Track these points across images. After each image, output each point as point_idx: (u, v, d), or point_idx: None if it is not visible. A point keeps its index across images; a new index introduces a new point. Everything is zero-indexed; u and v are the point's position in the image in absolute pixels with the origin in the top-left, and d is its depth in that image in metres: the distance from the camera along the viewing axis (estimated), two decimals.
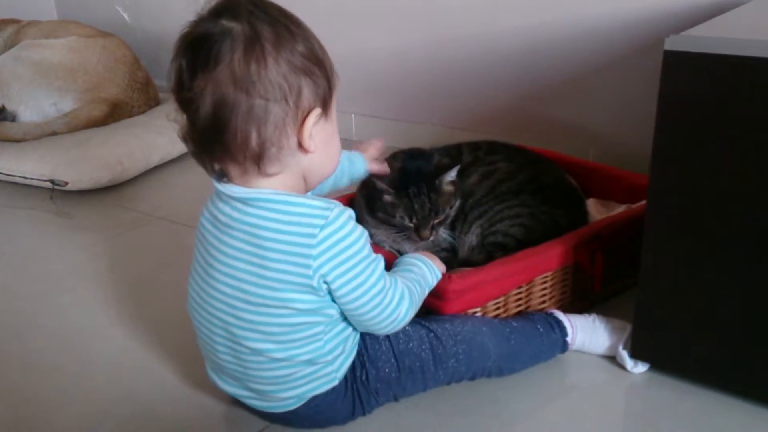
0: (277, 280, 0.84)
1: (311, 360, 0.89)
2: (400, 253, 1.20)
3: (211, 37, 0.78)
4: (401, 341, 0.96)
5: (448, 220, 1.23)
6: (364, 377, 0.94)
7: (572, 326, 1.09)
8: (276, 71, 0.79)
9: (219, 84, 0.78)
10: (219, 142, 0.81)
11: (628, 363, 1.07)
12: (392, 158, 1.26)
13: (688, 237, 0.95)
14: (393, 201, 1.19)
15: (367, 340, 0.95)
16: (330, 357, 0.90)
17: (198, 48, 0.79)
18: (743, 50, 0.84)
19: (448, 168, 1.20)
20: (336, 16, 2.15)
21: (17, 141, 2.04)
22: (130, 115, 2.26)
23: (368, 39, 2.13)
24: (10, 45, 2.35)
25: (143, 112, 2.31)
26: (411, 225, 1.19)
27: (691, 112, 0.89)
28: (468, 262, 1.19)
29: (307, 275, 0.83)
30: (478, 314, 1.08)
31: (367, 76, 2.17)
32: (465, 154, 1.35)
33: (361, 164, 1.17)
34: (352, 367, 0.94)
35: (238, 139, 0.80)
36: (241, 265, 0.86)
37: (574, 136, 1.83)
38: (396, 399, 0.98)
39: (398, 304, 0.90)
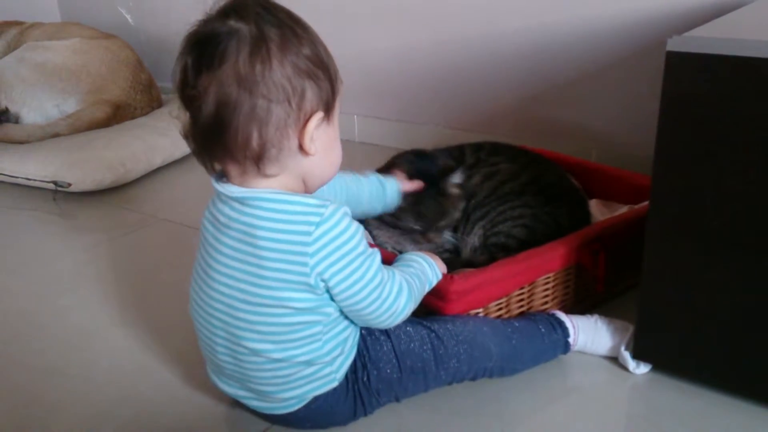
0: (274, 279, 0.84)
1: (310, 361, 0.89)
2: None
3: (218, 37, 0.79)
4: (402, 341, 0.95)
5: (455, 223, 1.23)
6: (365, 378, 0.94)
7: (574, 327, 1.09)
8: (280, 73, 0.79)
9: (223, 83, 0.78)
10: (220, 141, 0.81)
11: (631, 364, 1.07)
12: (397, 160, 1.26)
13: (691, 237, 0.94)
14: (400, 204, 1.19)
15: (368, 340, 0.95)
16: (328, 358, 0.90)
17: (204, 46, 0.79)
18: (746, 51, 0.84)
19: (454, 170, 1.20)
20: (339, 18, 2.15)
21: (20, 143, 2.04)
22: (133, 117, 2.26)
23: (371, 40, 2.14)
24: (13, 47, 2.36)
25: (146, 113, 2.31)
26: (418, 228, 1.19)
27: (694, 113, 0.89)
28: (470, 263, 1.19)
29: (304, 273, 0.83)
30: (480, 315, 1.08)
31: (370, 77, 2.17)
32: (467, 155, 1.35)
33: (394, 189, 1.16)
34: (354, 368, 0.94)
35: (239, 138, 0.80)
36: (239, 265, 0.86)
37: (577, 136, 1.83)
38: (397, 399, 0.98)
39: (396, 297, 0.90)
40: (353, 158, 2.07)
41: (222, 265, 0.87)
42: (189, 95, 0.81)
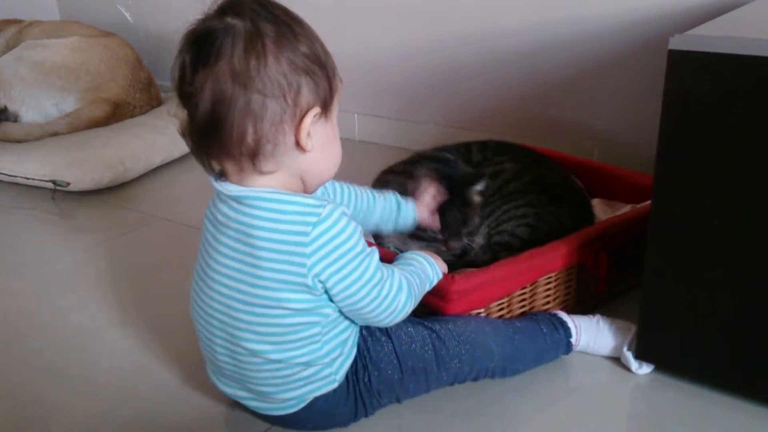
0: (271, 280, 0.84)
1: (308, 362, 0.88)
2: None
3: (215, 33, 0.79)
4: (404, 342, 0.95)
5: (476, 229, 1.23)
6: (366, 379, 0.93)
7: (576, 327, 1.09)
8: (276, 69, 0.79)
9: (219, 79, 0.78)
10: (216, 137, 0.81)
11: (633, 364, 1.06)
12: (413, 165, 1.24)
13: (693, 237, 0.94)
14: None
15: (369, 342, 0.94)
16: (327, 359, 0.89)
17: (201, 44, 0.80)
18: (748, 49, 0.83)
19: (477, 178, 1.20)
20: (338, 16, 2.14)
21: (19, 141, 2.04)
22: (132, 116, 2.26)
23: (371, 39, 2.13)
24: (12, 45, 2.35)
25: (145, 112, 2.30)
26: (441, 238, 1.19)
27: (696, 112, 0.89)
28: (472, 263, 1.18)
29: (301, 274, 0.83)
30: (482, 315, 1.07)
31: (370, 75, 2.17)
32: (474, 154, 1.35)
33: (411, 213, 1.15)
34: (355, 369, 0.93)
35: (235, 134, 0.80)
36: (237, 265, 0.85)
37: (579, 135, 1.82)
38: (399, 400, 0.98)
39: (396, 295, 0.89)
40: (353, 157, 2.06)
41: (221, 265, 0.87)
42: (186, 92, 0.81)
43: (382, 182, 1.28)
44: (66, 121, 2.11)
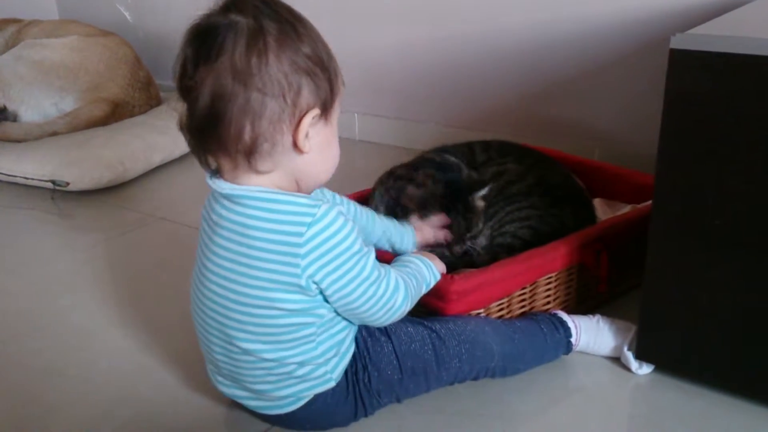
0: (264, 280, 0.83)
1: (302, 362, 0.88)
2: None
3: (217, 29, 0.79)
4: (403, 342, 0.95)
5: (479, 233, 1.23)
6: (366, 380, 0.93)
7: (576, 327, 1.08)
8: (277, 67, 0.79)
9: (219, 75, 0.78)
10: (214, 132, 0.81)
11: (633, 364, 1.06)
12: (419, 173, 1.23)
13: (694, 237, 0.94)
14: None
15: (369, 342, 0.94)
16: (322, 359, 0.89)
17: (204, 39, 0.80)
18: (749, 49, 0.83)
19: (480, 185, 1.19)
20: (338, 15, 2.14)
21: (18, 141, 2.03)
22: (132, 115, 2.25)
23: (371, 38, 2.13)
24: (11, 44, 2.35)
25: (144, 111, 2.30)
26: (444, 243, 1.19)
27: (697, 111, 0.89)
28: (472, 263, 1.18)
29: (294, 274, 0.82)
30: (482, 315, 1.07)
31: (370, 74, 2.16)
32: (478, 154, 1.35)
33: (410, 241, 1.14)
34: (354, 370, 0.93)
35: (232, 130, 0.80)
36: (231, 265, 0.85)
37: (579, 135, 1.82)
38: (398, 400, 0.98)
39: (393, 294, 0.89)
40: (353, 156, 2.06)
41: (215, 265, 0.87)
42: (186, 86, 0.81)
43: (384, 188, 1.27)
44: (65, 120, 2.11)
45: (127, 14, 2.78)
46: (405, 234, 1.14)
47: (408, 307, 0.93)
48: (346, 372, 0.93)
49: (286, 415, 0.93)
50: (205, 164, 0.86)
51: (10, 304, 1.36)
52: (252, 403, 0.95)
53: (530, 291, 1.13)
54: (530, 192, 1.27)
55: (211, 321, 0.90)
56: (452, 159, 1.28)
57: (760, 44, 0.82)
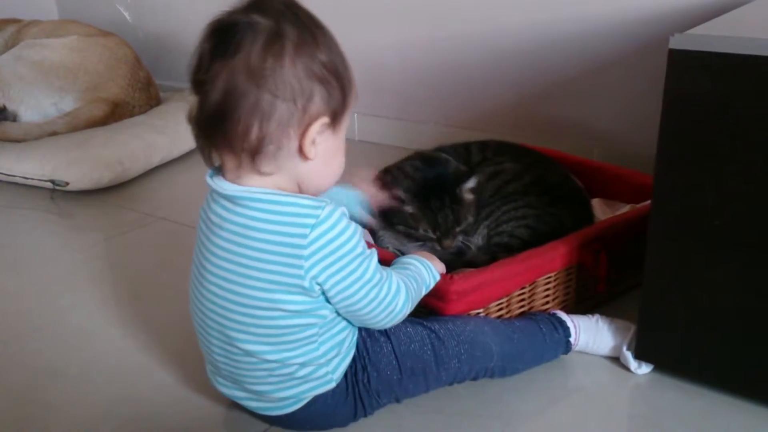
0: (266, 281, 0.83)
1: (305, 362, 0.88)
2: (402, 254, 1.19)
3: (237, 27, 0.79)
4: (403, 343, 0.95)
5: (469, 227, 1.23)
6: (365, 380, 0.93)
7: (575, 327, 1.08)
8: (291, 72, 0.79)
9: (233, 72, 0.79)
10: (221, 128, 0.81)
11: (632, 364, 1.06)
12: (408, 165, 1.24)
13: (693, 237, 0.94)
14: (416, 214, 1.18)
15: (368, 342, 0.94)
16: (324, 360, 0.89)
17: (223, 35, 0.80)
18: (748, 49, 0.83)
19: (467, 176, 1.19)
20: (338, 15, 2.13)
21: (18, 141, 2.03)
22: (131, 115, 2.25)
23: (371, 38, 2.13)
24: (11, 45, 2.35)
25: (144, 111, 2.30)
26: (434, 237, 1.19)
27: (696, 111, 0.89)
28: (471, 263, 1.18)
29: (298, 276, 0.82)
30: (481, 315, 1.07)
31: (370, 75, 2.16)
32: (474, 154, 1.35)
33: (354, 206, 1.15)
34: (354, 370, 0.93)
35: (240, 129, 0.80)
36: (231, 266, 0.85)
37: (579, 135, 1.82)
38: (398, 400, 0.98)
39: (394, 297, 0.89)
40: (353, 156, 2.06)
41: (214, 266, 0.87)
42: (200, 79, 0.81)
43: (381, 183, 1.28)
44: (65, 120, 2.11)
45: (126, 14, 2.78)
46: (349, 197, 1.14)
47: (408, 310, 0.93)
48: (345, 373, 0.93)
49: (286, 415, 0.93)
50: (208, 160, 0.86)
51: (9, 304, 1.36)
52: (252, 404, 0.95)
53: (529, 291, 1.13)
54: (527, 191, 1.27)
55: (210, 322, 0.90)
56: (441, 154, 1.28)
57: (760, 44, 0.82)
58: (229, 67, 0.79)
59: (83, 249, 1.58)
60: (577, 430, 0.97)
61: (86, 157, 1.89)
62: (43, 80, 2.16)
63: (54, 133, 2.07)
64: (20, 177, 1.91)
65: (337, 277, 0.84)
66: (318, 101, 0.81)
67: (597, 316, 1.11)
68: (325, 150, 0.85)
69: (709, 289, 0.95)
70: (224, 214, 0.85)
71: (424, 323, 0.98)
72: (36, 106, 2.15)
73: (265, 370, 0.89)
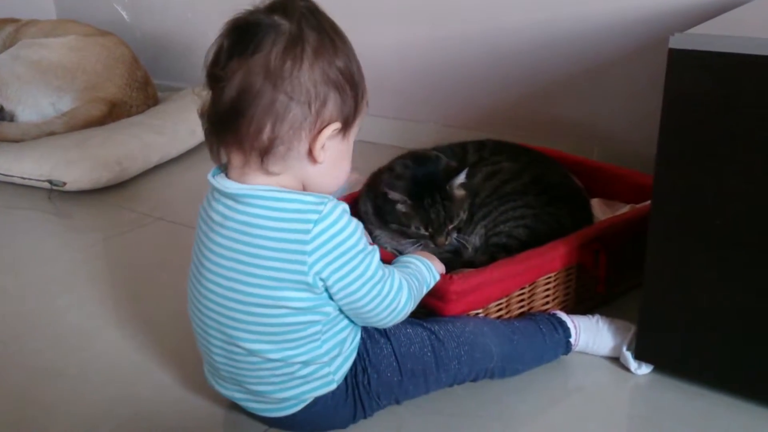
0: (270, 278, 0.83)
1: (307, 361, 0.88)
2: (400, 254, 1.19)
3: (259, 26, 0.80)
4: (403, 344, 0.95)
5: (462, 224, 1.22)
6: (366, 382, 0.93)
7: (575, 327, 1.08)
8: (308, 76, 0.80)
9: (251, 71, 0.79)
10: (233, 126, 0.81)
11: (632, 364, 1.06)
12: (398, 163, 1.24)
13: (693, 237, 0.94)
14: (408, 212, 1.18)
15: (368, 344, 0.94)
16: (326, 358, 0.89)
17: (243, 33, 0.81)
18: (748, 48, 0.83)
19: (457, 172, 1.19)
20: (337, 15, 2.13)
21: (15, 141, 2.03)
22: (129, 115, 2.25)
23: (370, 37, 2.12)
24: (9, 44, 2.35)
25: (142, 111, 2.29)
26: (427, 234, 1.19)
27: (696, 111, 0.89)
28: (470, 263, 1.18)
29: (302, 272, 0.82)
30: (480, 316, 1.07)
31: (369, 74, 2.14)
32: (470, 154, 1.34)
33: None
34: (354, 372, 0.93)
35: (252, 128, 0.80)
36: (232, 264, 0.85)
37: (579, 134, 1.82)
38: (398, 402, 0.97)
39: (397, 294, 0.89)
40: (352, 156, 2.06)
41: (214, 264, 0.87)
42: (216, 75, 0.82)
43: (367, 186, 1.29)
44: (63, 120, 2.11)
45: (124, 14, 2.77)
46: None
47: (411, 307, 0.93)
48: (345, 374, 0.92)
49: (286, 417, 0.93)
50: (215, 156, 0.87)
51: (8, 304, 1.36)
52: (251, 406, 0.94)
53: (529, 291, 1.13)
54: (526, 191, 1.27)
55: (210, 322, 0.89)
56: (432, 152, 1.28)
57: (760, 44, 0.82)
58: (246, 65, 0.79)
59: (82, 249, 1.58)
60: (577, 430, 0.97)
61: (84, 157, 1.88)
62: (41, 80, 2.16)
63: (52, 133, 2.07)
64: (18, 177, 1.90)
65: (340, 273, 0.84)
66: (332, 107, 0.82)
67: (597, 317, 1.11)
68: (333, 155, 0.86)
69: (709, 289, 0.95)
70: (226, 212, 0.85)
71: (424, 324, 0.98)
72: (34, 106, 2.15)
73: (267, 369, 0.88)
